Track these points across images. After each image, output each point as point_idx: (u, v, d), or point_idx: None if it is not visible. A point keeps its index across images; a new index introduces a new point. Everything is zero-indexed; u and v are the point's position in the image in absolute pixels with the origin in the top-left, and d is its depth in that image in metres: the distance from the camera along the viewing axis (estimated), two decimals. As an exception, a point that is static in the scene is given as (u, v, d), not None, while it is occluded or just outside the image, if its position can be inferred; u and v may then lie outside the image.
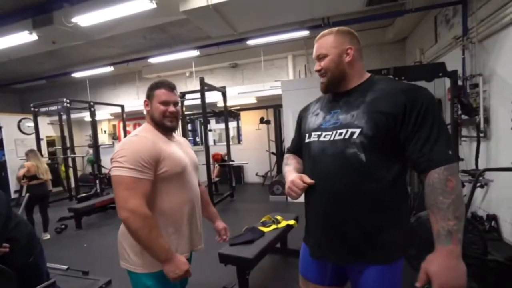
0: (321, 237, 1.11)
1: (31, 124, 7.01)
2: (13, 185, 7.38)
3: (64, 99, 6.01)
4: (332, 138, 1.07)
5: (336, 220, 1.06)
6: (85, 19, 4.03)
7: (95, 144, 6.71)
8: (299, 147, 1.28)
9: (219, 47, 5.78)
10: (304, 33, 5.10)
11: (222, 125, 7.16)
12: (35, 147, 6.04)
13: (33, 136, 6.56)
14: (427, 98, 0.98)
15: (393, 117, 0.98)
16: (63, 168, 7.93)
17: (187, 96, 5.83)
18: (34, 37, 4.48)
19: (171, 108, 1.32)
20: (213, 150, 6.92)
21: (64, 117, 6.72)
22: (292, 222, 3.01)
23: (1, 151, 7.47)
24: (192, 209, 1.36)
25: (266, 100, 7.14)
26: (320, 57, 1.12)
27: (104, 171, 6.74)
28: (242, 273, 2.29)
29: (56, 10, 4.21)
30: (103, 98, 9.07)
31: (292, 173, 1.20)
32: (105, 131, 9.41)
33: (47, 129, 8.22)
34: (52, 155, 8.26)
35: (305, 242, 1.24)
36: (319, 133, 1.13)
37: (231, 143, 6.68)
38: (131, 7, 3.78)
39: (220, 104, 6.51)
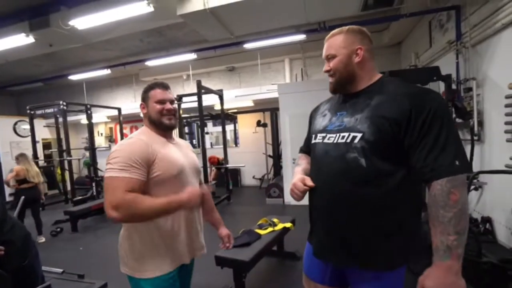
0: (322, 237, 1.12)
1: (27, 126, 6.98)
2: (8, 188, 7.30)
3: (61, 102, 5.98)
4: (335, 141, 1.06)
5: (336, 222, 1.06)
6: (82, 22, 4.01)
7: (91, 147, 6.70)
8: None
9: (216, 50, 5.79)
10: (301, 37, 5.13)
11: (219, 128, 7.18)
12: (31, 150, 6.01)
13: (29, 138, 6.52)
14: (435, 103, 0.91)
15: (397, 123, 0.93)
16: (59, 170, 7.88)
17: (184, 99, 5.82)
18: (30, 39, 4.44)
19: (168, 106, 1.31)
20: (210, 153, 6.93)
21: (60, 119, 6.69)
22: (288, 224, 3.02)
23: (-4, 154, 7.41)
24: (190, 213, 1.33)
25: (263, 103, 7.17)
26: (329, 58, 1.09)
27: (100, 174, 6.68)
28: (238, 276, 2.29)
29: (53, 13, 4.20)
30: (100, 101, 9.06)
31: (299, 174, 1.20)
32: (101, 134, 9.40)
33: (43, 132, 8.19)
34: (48, 157, 8.20)
35: (309, 241, 1.24)
36: (324, 134, 1.12)
37: (228, 146, 6.69)
38: (128, 10, 3.78)
39: (217, 107, 6.53)
